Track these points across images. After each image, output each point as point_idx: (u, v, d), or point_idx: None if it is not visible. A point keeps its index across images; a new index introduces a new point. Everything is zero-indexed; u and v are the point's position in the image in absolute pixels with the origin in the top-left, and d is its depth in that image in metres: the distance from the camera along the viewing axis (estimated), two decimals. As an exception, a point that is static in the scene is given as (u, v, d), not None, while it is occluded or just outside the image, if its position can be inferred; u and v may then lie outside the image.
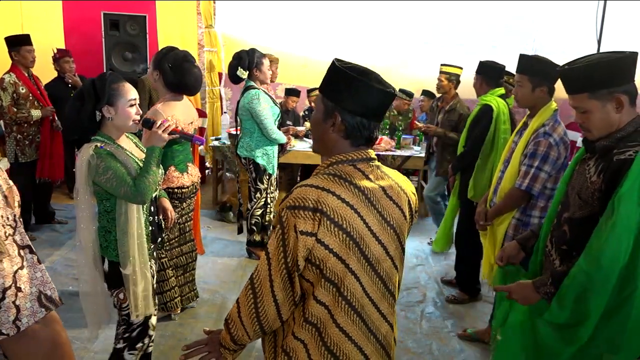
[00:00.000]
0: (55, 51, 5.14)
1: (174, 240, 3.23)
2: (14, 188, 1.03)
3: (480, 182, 3.47)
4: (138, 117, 2.19)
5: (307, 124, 5.95)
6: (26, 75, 4.55)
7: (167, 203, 2.63)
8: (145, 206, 2.25)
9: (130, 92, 2.16)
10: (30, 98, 4.49)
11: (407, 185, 1.48)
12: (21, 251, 0.97)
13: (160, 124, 2.23)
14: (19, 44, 4.52)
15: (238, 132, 4.28)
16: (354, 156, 1.39)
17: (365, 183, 1.36)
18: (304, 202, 1.29)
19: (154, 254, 2.44)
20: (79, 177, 2.09)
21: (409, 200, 1.46)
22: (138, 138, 2.44)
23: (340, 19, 6.40)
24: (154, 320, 2.40)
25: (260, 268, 1.33)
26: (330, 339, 1.36)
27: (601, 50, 3.48)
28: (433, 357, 3.09)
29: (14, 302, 0.94)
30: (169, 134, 2.24)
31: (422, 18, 6.52)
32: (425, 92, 6.06)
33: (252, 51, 3.97)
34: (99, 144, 2.11)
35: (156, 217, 2.41)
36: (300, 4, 6.28)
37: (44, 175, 4.64)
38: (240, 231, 4.23)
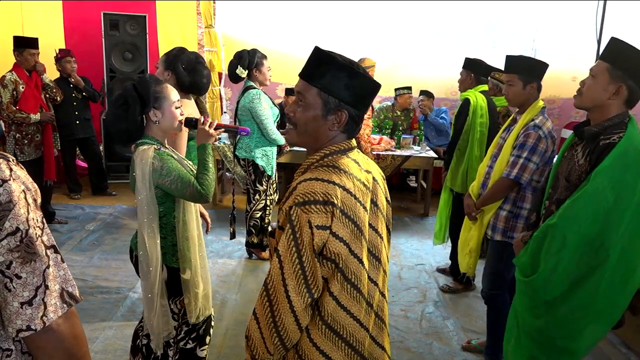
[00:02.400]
0: (57, 51, 5.14)
1: None
2: (38, 190, 1.09)
3: (457, 171, 3.73)
4: (183, 118, 2.18)
5: None
6: (27, 75, 4.57)
7: (203, 209, 2.58)
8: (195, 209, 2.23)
9: (173, 94, 2.14)
10: (30, 98, 4.51)
11: (380, 170, 1.50)
12: (47, 251, 1.05)
13: (204, 121, 2.20)
14: (23, 45, 4.55)
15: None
16: (345, 146, 1.37)
17: (359, 172, 1.36)
18: (313, 197, 1.25)
19: None
20: (140, 182, 2.00)
21: (384, 188, 1.49)
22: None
23: (340, 19, 6.40)
24: (213, 312, 2.40)
25: (272, 273, 1.27)
26: (346, 331, 1.32)
27: (601, 51, 3.49)
28: (433, 357, 3.09)
29: (42, 299, 1.02)
30: (215, 129, 2.22)
31: (422, 18, 6.52)
32: (424, 92, 6.06)
33: (254, 51, 3.98)
34: (156, 146, 2.06)
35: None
36: (300, 4, 6.28)
37: (51, 177, 4.68)
38: (232, 237, 4.04)
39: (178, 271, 2.14)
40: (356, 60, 4.96)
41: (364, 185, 1.35)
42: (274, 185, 4.24)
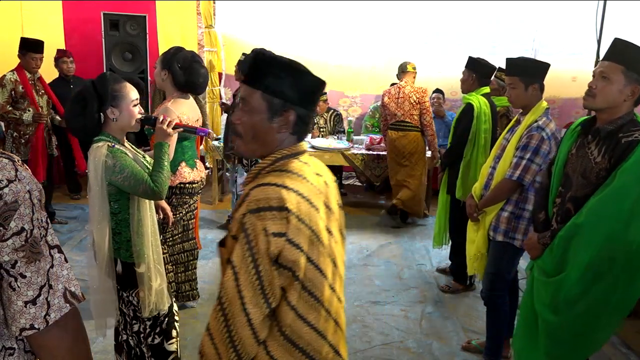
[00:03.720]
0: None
1: (177, 237, 3.25)
2: (43, 190, 1.09)
3: (467, 181, 3.65)
4: (140, 117, 2.21)
5: None
6: (29, 77, 4.58)
7: (164, 203, 2.64)
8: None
9: (132, 92, 2.17)
10: (28, 99, 4.53)
11: (331, 173, 1.46)
12: (51, 251, 1.06)
13: (163, 119, 2.23)
14: (27, 48, 4.56)
15: None
16: (296, 150, 1.32)
17: (312, 176, 1.32)
18: (268, 203, 1.19)
19: None
20: (92, 178, 2.05)
21: (334, 184, 1.45)
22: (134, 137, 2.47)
23: (339, 19, 6.39)
24: (175, 307, 2.41)
25: (226, 285, 1.19)
26: (303, 341, 1.27)
27: (601, 50, 3.49)
28: (433, 357, 3.09)
29: (46, 299, 1.04)
30: (172, 128, 2.25)
31: (422, 18, 6.52)
32: (439, 90, 6.06)
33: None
34: (110, 143, 2.09)
35: (155, 215, 2.41)
36: (300, 4, 6.28)
37: (39, 179, 4.64)
38: None
39: (133, 265, 2.18)
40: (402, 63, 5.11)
41: (317, 189, 1.31)
42: None
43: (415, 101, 4.95)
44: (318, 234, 1.26)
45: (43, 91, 4.74)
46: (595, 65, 3.47)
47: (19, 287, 1.01)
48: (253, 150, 1.34)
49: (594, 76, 2.04)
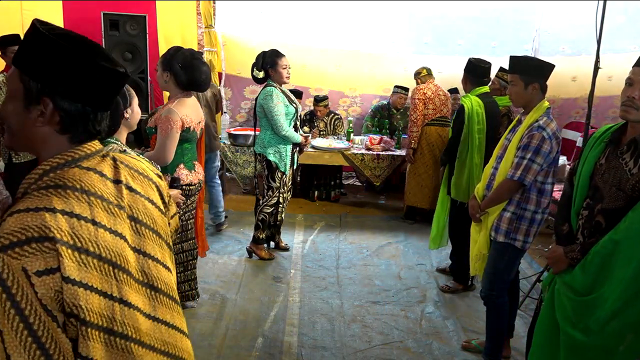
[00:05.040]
0: None
1: (176, 237, 3.24)
2: (9, 199, 1.02)
3: (461, 182, 3.72)
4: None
5: (306, 129, 5.96)
6: None
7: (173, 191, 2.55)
8: None
9: (134, 93, 2.25)
10: None
11: (151, 170, 1.22)
12: None
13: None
14: (5, 44, 4.50)
15: (256, 131, 4.31)
16: (75, 154, 1.04)
17: (100, 185, 1.04)
18: (24, 234, 0.91)
19: None
20: None
21: (157, 188, 1.20)
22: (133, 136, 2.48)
23: (339, 20, 6.39)
24: None
25: None
26: None
27: (601, 50, 3.48)
28: (433, 357, 3.09)
29: None
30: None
31: (422, 18, 6.52)
32: (455, 90, 6.06)
33: (270, 51, 4.06)
34: (121, 149, 2.11)
35: None
36: (300, 4, 6.28)
37: None
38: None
39: None
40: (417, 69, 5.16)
41: (110, 202, 1.04)
42: (289, 184, 4.27)
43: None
44: (114, 260, 1.01)
45: None
46: (595, 65, 3.48)
47: None
48: (21, 147, 1.10)
49: (631, 84, 1.87)
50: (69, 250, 0.94)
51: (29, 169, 4.04)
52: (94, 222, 0.99)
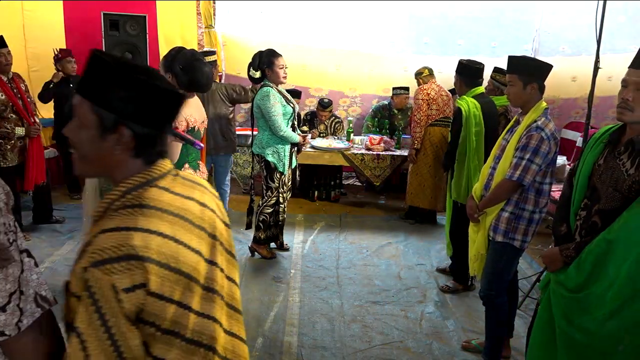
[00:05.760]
0: (57, 51, 5.12)
1: None
2: (10, 193, 1.04)
3: (460, 183, 3.73)
4: None
5: (304, 128, 5.96)
6: (5, 79, 4.29)
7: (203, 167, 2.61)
8: None
9: None
10: (10, 104, 4.26)
11: (210, 187, 1.29)
12: (21, 255, 1.00)
13: None
14: None
15: (254, 131, 4.32)
16: (150, 175, 1.11)
17: (177, 202, 1.12)
18: (115, 252, 0.98)
19: None
20: (88, 180, 2.07)
21: (217, 203, 1.27)
22: None
23: (339, 20, 6.40)
24: None
25: (72, 357, 0.98)
26: None
27: (601, 50, 3.49)
28: (433, 357, 3.09)
29: (17, 305, 0.98)
30: (172, 134, 2.29)
31: (422, 18, 6.52)
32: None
33: (266, 51, 4.05)
34: None
35: None
36: (300, 4, 6.28)
37: (29, 187, 4.48)
38: (248, 227, 4.38)
39: None
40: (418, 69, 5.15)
41: (186, 219, 1.11)
42: (289, 184, 4.28)
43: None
44: (192, 274, 1.09)
45: (20, 94, 4.39)
46: (595, 65, 3.48)
47: None
48: (92, 172, 1.18)
49: (625, 86, 1.88)
50: (155, 267, 1.01)
51: (14, 173, 3.82)
52: (175, 240, 1.06)
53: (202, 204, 1.18)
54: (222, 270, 1.20)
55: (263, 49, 4.10)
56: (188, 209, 1.13)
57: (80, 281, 0.99)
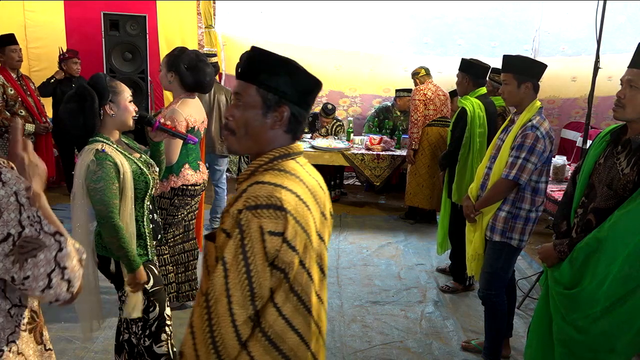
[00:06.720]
0: (63, 51, 5.13)
1: (178, 237, 3.26)
2: (31, 187, 1.12)
3: (463, 185, 3.67)
4: (135, 114, 2.23)
5: (305, 129, 5.95)
6: (14, 77, 4.48)
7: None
8: (145, 204, 2.26)
9: (127, 90, 2.21)
10: (19, 100, 4.45)
11: (322, 180, 1.44)
12: (53, 238, 1.10)
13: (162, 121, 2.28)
14: (2, 44, 4.46)
15: None
16: (292, 150, 1.30)
17: (307, 178, 1.30)
18: (267, 200, 1.16)
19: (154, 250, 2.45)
20: (76, 179, 2.08)
21: (326, 191, 1.44)
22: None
23: (339, 20, 6.40)
24: (168, 310, 2.41)
25: (215, 282, 1.15)
26: (286, 345, 1.23)
27: (601, 50, 3.49)
28: (433, 357, 3.09)
29: (62, 278, 1.10)
30: (160, 130, 2.31)
31: (422, 18, 6.53)
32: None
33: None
34: (99, 147, 2.09)
35: (155, 215, 2.41)
36: (300, 4, 6.28)
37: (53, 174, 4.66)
38: None
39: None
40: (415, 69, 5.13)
41: (313, 193, 1.29)
42: None
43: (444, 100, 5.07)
44: (311, 239, 1.24)
45: (29, 92, 4.60)
46: (595, 65, 3.48)
47: (29, 285, 1.07)
48: (247, 147, 1.32)
49: (621, 84, 1.91)
50: (293, 221, 1.17)
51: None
52: (305, 204, 1.23)
53: (320, 186, 1.36)
54: (325, 249, 1.35)
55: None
56: (313, 185, 1.32)
57: (234, 220, 1.17)
